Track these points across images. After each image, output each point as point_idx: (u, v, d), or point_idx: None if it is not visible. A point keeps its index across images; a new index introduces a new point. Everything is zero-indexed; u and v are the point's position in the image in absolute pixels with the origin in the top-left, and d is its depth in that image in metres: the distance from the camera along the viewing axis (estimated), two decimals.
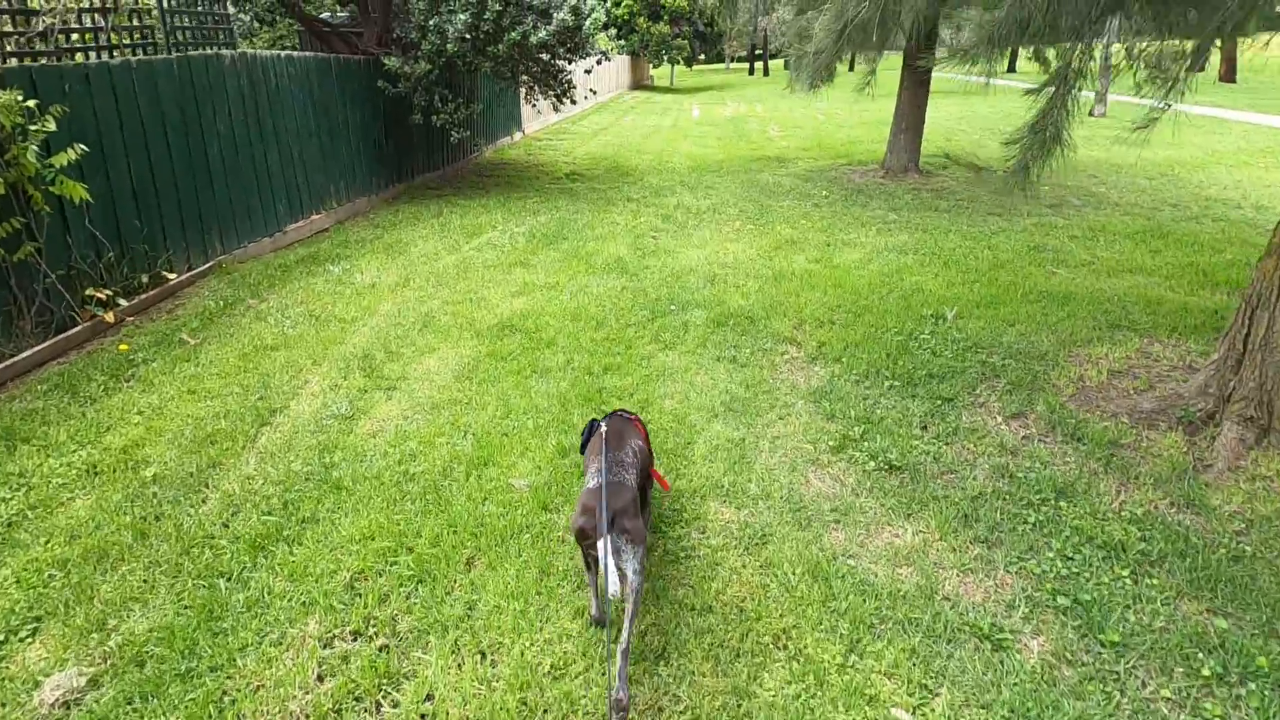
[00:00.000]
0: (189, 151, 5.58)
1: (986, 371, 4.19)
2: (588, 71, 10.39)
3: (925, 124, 10.27)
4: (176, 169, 5.47)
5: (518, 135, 15.77)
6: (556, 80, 9.48)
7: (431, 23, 7.79)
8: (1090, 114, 17.03)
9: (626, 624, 2.03)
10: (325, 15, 12.67)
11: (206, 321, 4.97)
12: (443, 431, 3.63)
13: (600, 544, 2.00)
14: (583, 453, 2.68)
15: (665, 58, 38.41)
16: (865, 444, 3.45)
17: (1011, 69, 40.66)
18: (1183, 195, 9.08)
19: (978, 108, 20.57)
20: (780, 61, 61.26)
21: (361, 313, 5.24)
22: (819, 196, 9.27)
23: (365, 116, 8.40)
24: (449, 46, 7.75)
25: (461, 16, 7.60)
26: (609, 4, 36.29)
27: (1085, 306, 5.17)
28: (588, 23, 8.06)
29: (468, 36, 7.87)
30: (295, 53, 7.05)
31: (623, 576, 2.08)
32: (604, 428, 2.53)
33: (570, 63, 9.33)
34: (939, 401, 3.84)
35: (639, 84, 40.24)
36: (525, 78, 9.55)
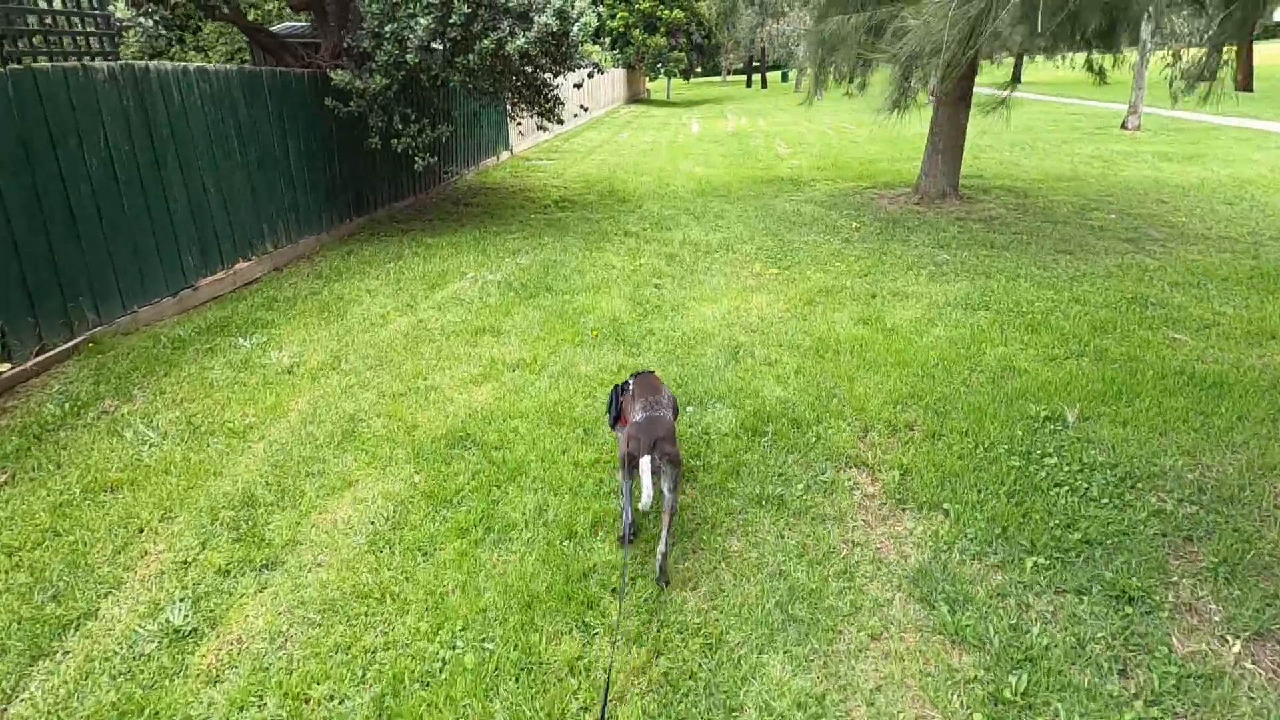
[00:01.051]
0: (37, 197, 4.20)
1: (1169, 530, 2.80)
2: (578, 86, 9.07)
3: (965, 143, 8.93)
4: (13, 221, 4.08)
5: (504, 155, 14.45)
6: (540, 96, 8.14)
7: (388, 29, 6.46)
8: (1123, 126, 15.79)
9: (665, 533, 2.56)
10: (284, 26, 11.41)
11: (32, 440, 3.55)
12: (329, 672, 2.23)
13: (643, 461, 2.42)
14: (610, 415, 3.01)
15: (662, 70, 37.32)
16: (1033, 711, 2.05)
17: (1016, 79, 39.63)
18: (1278, 223, 7.75)
19: (993, 121, 19.33)
20: (777, 74, 60.36)
21: (262, 417, 3.84)
22: (848, 229, 7.92)
23: (312, 141, 7.05)
24: (409, 57, 6.41)
25: (423, 21, 6.26)
26: (601, 7, 35.25)
27: (1253, 400, 3.79)
28: (576, 28, 6.73)
29: (433, 45, 6.54)
30: (212, 66, 5.70)
31: (659, 494, 2.54)
32: (632, 385, 2.94)
33: (557, 76, 8.01)
34: (1121, 604, 2.44)
35: (635, 97, 39.15)
36: (508, 94, 8.22)
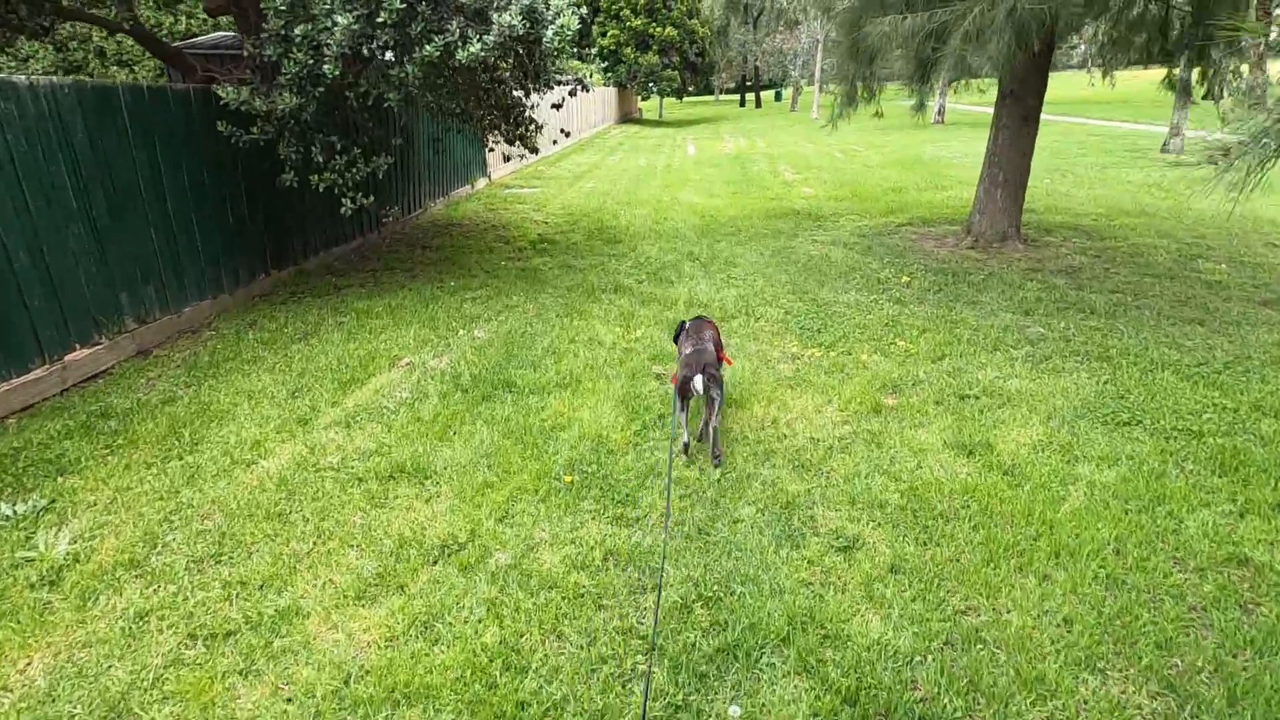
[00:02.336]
0: None
1: None
2: (556, 107, 7.46)
3: (1029, 174, 7.35)
4: None
5: (481, 183, 12.84)
6: (510, 118, 6.52)
7: (297, 31, 4.82)
8: (1163, 149, 14.38)
9: (715, 418, 3.43)
10: (216, 37, 9.80)
11: None
12: None
13: (696, 379, 3.29)
14: (676, 342, 3.97)
15: (654, 89, 36.05)
16: None
17: None
18: None
19: None
20: (769, 93, 59.42)
21: None
22: (896, 284, 6.30)
23: (204, 177, 5.38)
24: (326, 68, 4.77)
25: (342, 21, 4.63)
26: (583, 9, 34.07)
27: None
28: (550, 33, 5.11)
29: (365, 51, 4.92)
30: (24, 78, 4.03)
31: (709, 399, 3.38)
32: (688, 326, 3.90)
33: (530, 93, 6.40)
34: None
35: (627, 117, 37.84)
36: (482, 113, 6.60)
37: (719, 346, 3.74)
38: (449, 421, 3.89)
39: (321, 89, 5.03)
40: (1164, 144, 14.41)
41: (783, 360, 4.74)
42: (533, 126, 6.85)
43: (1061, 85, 43.81)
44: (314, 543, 2.87)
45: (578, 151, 20.33)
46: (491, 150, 9.38)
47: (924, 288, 6.15)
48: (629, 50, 34.19)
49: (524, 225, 9.48)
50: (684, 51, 36.10)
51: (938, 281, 6.28)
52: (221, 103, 4.99)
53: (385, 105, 5.25)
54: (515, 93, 6.54)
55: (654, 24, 34.27)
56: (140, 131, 4.76)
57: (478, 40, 4.83)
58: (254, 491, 3.21)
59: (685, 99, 54.89)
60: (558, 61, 5.76)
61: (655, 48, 34.45)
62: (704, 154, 19.29)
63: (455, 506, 3.12)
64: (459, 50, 4.81)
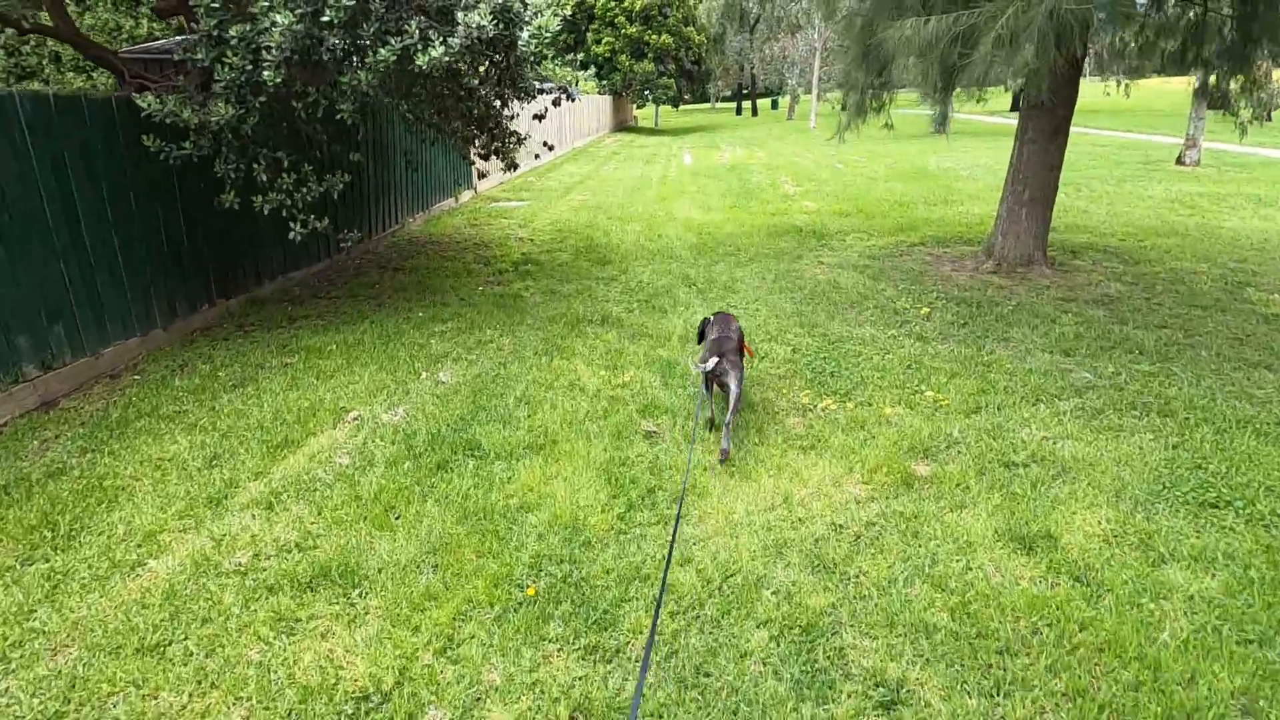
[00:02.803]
0: None
1: None
2: (539, 117, 6.82)
3: (1058, 191, 6.73)
4: None
5: (465, 196, 12.19)
6: (485, 130, 5.88)
7: (232, 32, 4.17)
8: (1179, 161, 13.82)
9: (730, 414, 3.59)
10: (176, 41, 9.14)
11: None
12: None
13: (712, 360, 3.60)
14: (700, 338, 4.24)
15: (650, 97, 35.54)
16: None
17: (1015, 108, 38.24)
18: None
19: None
20: (766, 101, 58.99)
21: None
22: (914, 315, 5.66)
23: (128, 195, 4.72)
24: (266, 75, 4.12)
25: (282, 20, 3.98)
26: (564, 6, 33.53)
27: None
28: (526, 35, 4.48)
29: (312, 56, 4.27)
30: None
31: (725, 387, 3.68)
32: (713, 320, 4.16)
33: (507, 103, 5.76)
34: None
35: (622, 125, 37.33)
36: (457, 125, 5.96)
37: (741, 339, 3.95)
38: (393, 500, 3.22)
39: (263, 98, 4.38)
40: (1179, 156, 13.86)
41: (792, 413, 4.09)
42: (513, 140, 6.20)
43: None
44: (190, 694, 2.19)
45: (570, 161, 19.73)
46: (473, 164, 8.77)
47: (947, 321, 5.51)
48: (624, 58, 33.68)
49: (507, 243, 8.82)
50: (680, 59, 35.61)
51: (962, 313, 5.64)
52: (144, 114, 4.32)
53: (339, 117, 4.59)
54: (493, 102, 5.89)
55: (649, 31, 33.77)
56: (45, 147, 4.09)
57: (440, 43, 4.18)
58: (131, 610, 2.53)
59: (681, 107, 54.49)
60: (537, 67, 5.11)
61: (651, 55, 33.95)
62: (701, 164, 18.69)
63: (385, 632, 2.44)
64: (419, 54, 4.16)
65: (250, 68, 4.24)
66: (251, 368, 4.69)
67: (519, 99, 5.79)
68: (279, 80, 4.18)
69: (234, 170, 4.61)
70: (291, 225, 4.81)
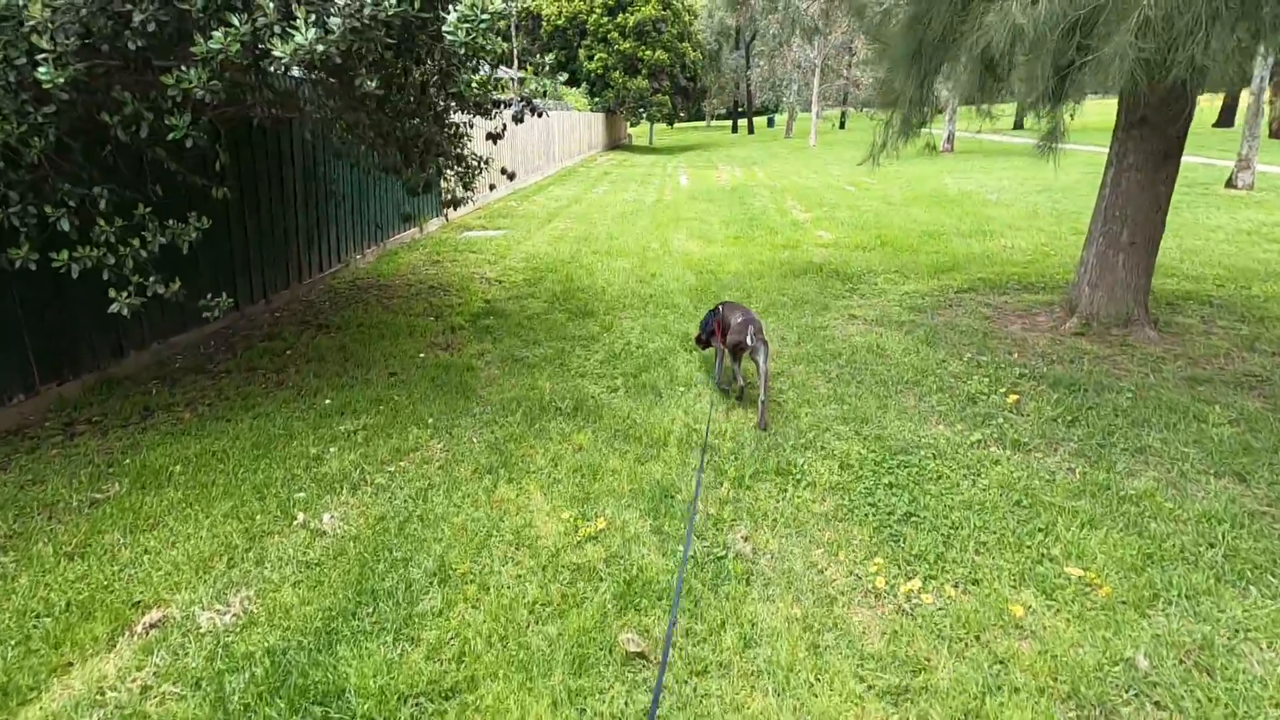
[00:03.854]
0: None
1: None
2: (494, 137, 5.37)
3: (1163, 232, 5.27)
4: None
5: (433, 224, 10.73)
6: (412, 155, 4.41)
7: None
8: (1229, 184, 12.48)
9: (763, 388, 3.94)
10: None
11: None
12: None
13: (749, 338, 3.98)
14: (704, 326, 4.60)
15: (644, 115, 34.37)
16: None
17: (1019, 125, 37.22)
18: None
19: (1042, 174, 16.08)
20: (762, 119, 57.99)
21: None
22: (996, 403, 4.17)
23: None
24: (41, 73, 2.66)
25: None
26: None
27: None
28: (454, 17, 3.00)
29: (118, 44, 2.80)
30: None
31: (756, 363, 4.01)
32: (722, 309, 4.42)
33: (442, 118, 4.30)
34: None
35: (615, 144, 36.13)
36: (383, 147, 4.51)
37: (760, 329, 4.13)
38: None
39: (52, 108, 2.89)
40: (1230, 178, 12.52)
41: (858, 600, 2.58)
42: (453, 167, 4.73)
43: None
44: None
45: (557, 183, 18.33)
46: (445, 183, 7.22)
47: (1046, 415, 4.02)
48: (617, 74, 32.53)
49: (469, 287, 7.33)
50: (675, 76, 34.49)
51: (1063, 403, 4.14)
52: None
53: (179, 138, 3.10)
54: (417, 119, 4.43)
55: (643, 47, 32.66)
56: None
57: (312, 25, 2.71)
58: None
59: (676, 125, 53.37)
60: (474, 65, 3.65)
61: (645, 71, 32.81)
62: (698, 185, 17.32)
63: None
64: (277, 44, 2.68)
65: (23, 62, 2.75)
66: (35, 510, 3.15)
67: (465, 112, 4.33)
68: (64, 80, 2.70)
69: (19, 216, 3.10)
70: (119, 299, 3.29)
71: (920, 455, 3.60)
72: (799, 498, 3.28)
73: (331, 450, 3.72)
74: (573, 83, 33.44)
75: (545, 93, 4.73)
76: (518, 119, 4.82)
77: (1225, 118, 28.73)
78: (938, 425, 3.96)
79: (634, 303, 6.68)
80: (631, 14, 32.34)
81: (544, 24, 34.01)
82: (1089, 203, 12.25)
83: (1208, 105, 27.46)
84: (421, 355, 5.25)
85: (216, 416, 4.09)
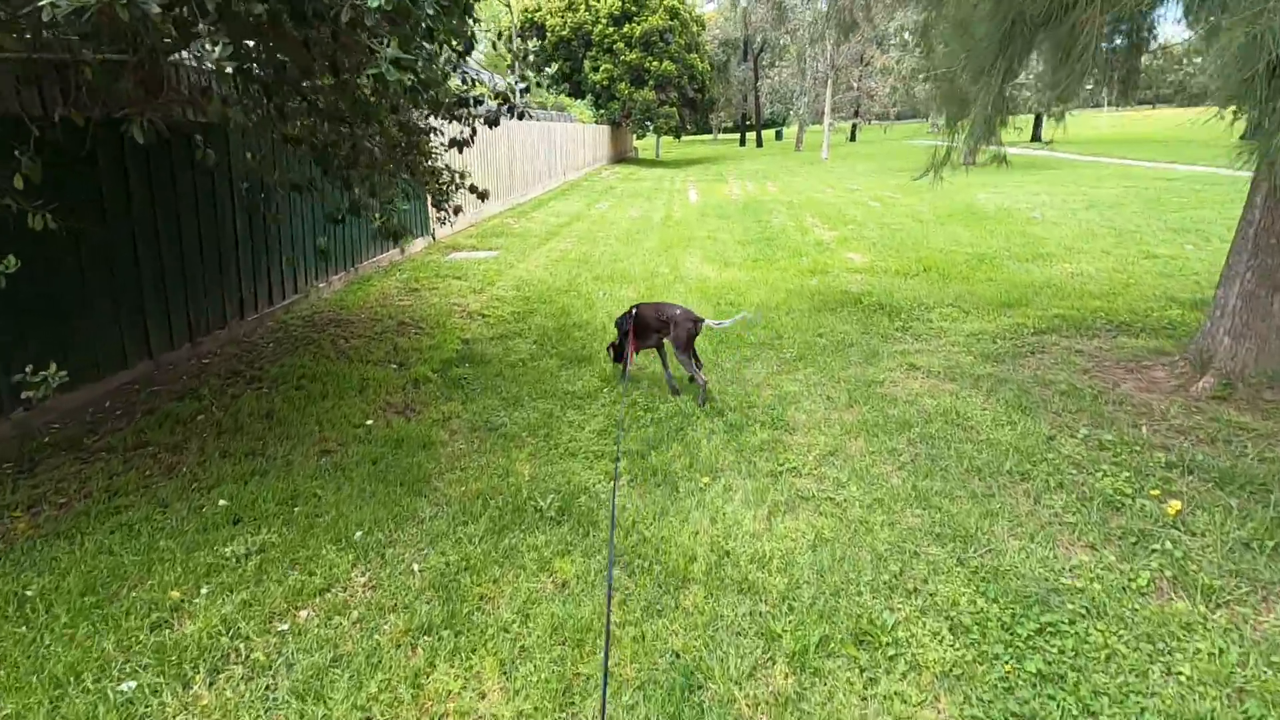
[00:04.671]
0: None
1: None
2: (459, 144, 4.26)
3: None
4: None
5: (418, 244, 9.64)
6: (332, 160, 3.30)
7: None
8: None
9: (699, 374, 4.24)
10: None
11: None
12: None
13: (703, 323, 4.26)
14: (620, 326, 4.54)
15: (651, 128, 33.43)
16: None
17: (1036, 137, 36.13)
18: None
19: (1078, 188, 14.91)
20: (770, 131, 56.96)
21: None
22: (1147, 511, 2.98)
23: None
24: None
25: None
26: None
27: None
28: None
29: None
30: None
31: (696, 359, 4.29)
32: (638, 311, 4.42)
33: (417, 115, 3.20)
34: None
35: (621, 156, 35.22)
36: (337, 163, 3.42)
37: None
38: None
39: None
40: None
41: None
42: (386, 178, 3.63)
43: (1075, 122, 41.31)
44: None
45: (559, 197, 17.28)
46: (441, 203, 6.09)
47: (1228, 534, 2.82)
48: (623, 85, 31.62)
49: (447, 322, 6.20)
50: (682, 87, 33.57)
51: (1249, 514, 2.94)
52: None
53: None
54: (406, 118, 3.32)
55: (650, 58, 31.77)
56: None
57: None
58: None
59: (683, 138, 52.43)
60: (416, 44, 2.54)
61: (651, 83, 31.90)
62: (709, 200, 16.23)
63: None
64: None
65: None
66: None
67: (437, 115, 3.21)
68: None
69: None
70: None
71: (1068, 611, 2.42)
72: (896, 697, 2.10)
73: (202, 594, 2.57)
74: (577, 94, 32.58)
75: (529, 88, 3.60)
76: (491, 122, 3.69)
77: None
78: (1076, 549, 2.78)
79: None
80: (638, 24, 31.50)
81: (548, 35, 33.19)
82: (1145, 221, 11.07)
83: None
84: (369, 422, 4.10)
85: (58, 532, 2.94)
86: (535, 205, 15.38)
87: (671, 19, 32.06)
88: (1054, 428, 3.79)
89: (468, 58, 3.92)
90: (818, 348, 5.32)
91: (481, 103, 3.85)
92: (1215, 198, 12.64)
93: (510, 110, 3.72)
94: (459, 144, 4.26)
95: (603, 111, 32.00)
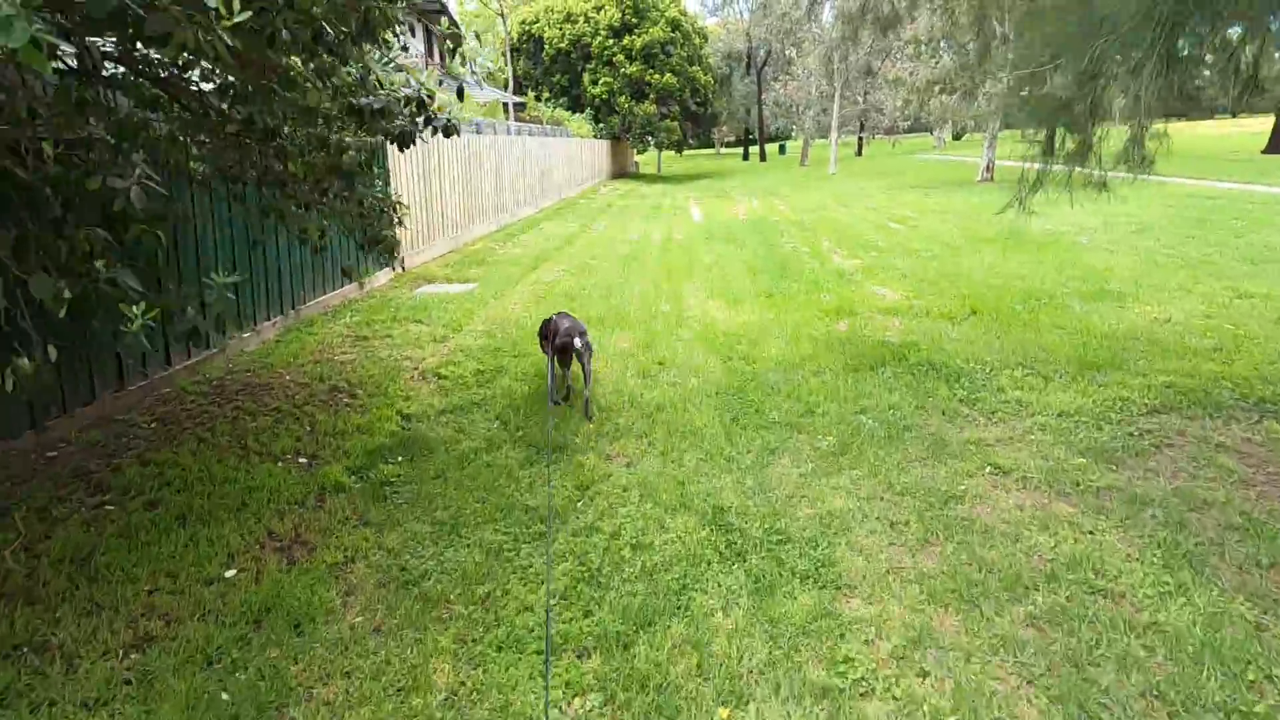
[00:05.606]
0: None
1: None
2: (400, 141, 3.04)
3: None
4: None
5: (381, 277, 8.43)
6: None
7: None
8: None
9: (587, 385, 4.33)
10: None
11: None
12: None
13: (576, 340, 4.20)
14: (542, 334, 4.70)
15: (652, 142, 32.39)
16: None
17: (1050, 151, 34.89)
18: None
19: (1117, 209, 13.66)
20: (773, 146, 55.92)
21: None
22: None
23: None
24: None
25: None
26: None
27: None
28: None
29: None
30: None
31: (584, 367, 4.27)
32: (555, 319, 4.52)
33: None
34: None
35: (622, 172, 34.17)
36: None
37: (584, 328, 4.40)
38: None
39: None
40: None
41: None
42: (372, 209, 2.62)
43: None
44: None
45: (553, 217, 16.11)
46: (400, 224, 4.83)
47: None
48: (623, 99, 30.61)
49: (391, 387, 4.94)
50: (684, 100, 32.56)
51: None
52: None
53: None
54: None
55: (651, 71, 30.79)
56: None
57: None
58: None
59: (685, 152, 51.38)
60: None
61: (652, 96, 30.88)
62: (713, 220, 15.03)
63: None
64: None
65: None
66: None
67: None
68: None
69: None
70: None
71: None
72: None
73: None
74: (577, 108, 31.58)
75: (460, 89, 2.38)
76: (446, 131, 2.46)
77: None
78: None
79: (633, 421, 4.27)
80: (639, 36, 30.55)
81: (545, 47, 32.24)
82: (1212, 248, 9.61)
83: None
84: (230, 573, 2.83)
85: None
86: (526, 226, 14.20)
87: (673, 31, 31.13)
88: (1251, 601, 2.50)
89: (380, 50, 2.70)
90: (863, 432, 4.05)
91: (401, 106, 2.64)
92: (1271, 218, 11.38)
93: (429, 123, 2.51)
94: (394, 138, 3.03)
95: (602, 126, 30.99)
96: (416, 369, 5.41)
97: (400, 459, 3.86)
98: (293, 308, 6.48)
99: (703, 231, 13.17)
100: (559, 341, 4.26)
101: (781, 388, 4.81)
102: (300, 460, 3.84)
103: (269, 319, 6.10)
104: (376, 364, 5.47)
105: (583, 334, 4.25)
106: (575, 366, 4.43)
